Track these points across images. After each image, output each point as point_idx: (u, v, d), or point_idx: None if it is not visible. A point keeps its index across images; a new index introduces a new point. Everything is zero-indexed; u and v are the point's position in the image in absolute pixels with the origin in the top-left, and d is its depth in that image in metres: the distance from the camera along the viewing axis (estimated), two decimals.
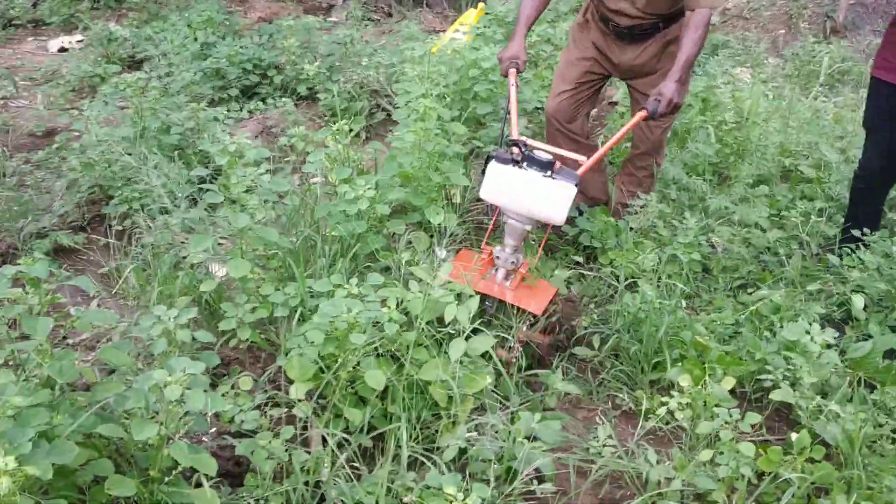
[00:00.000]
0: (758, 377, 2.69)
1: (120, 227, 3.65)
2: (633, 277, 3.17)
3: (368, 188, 2.80)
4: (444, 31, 7.56)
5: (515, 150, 2.72)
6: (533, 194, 2.69)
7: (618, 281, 3.17)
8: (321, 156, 3.13)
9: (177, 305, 2.50)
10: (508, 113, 3.05)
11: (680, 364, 2.75)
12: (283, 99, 4.95)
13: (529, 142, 2.84)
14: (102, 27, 6.82)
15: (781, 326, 2.82)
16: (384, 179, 3.05)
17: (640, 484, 2.39)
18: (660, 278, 3.16)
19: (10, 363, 1.84)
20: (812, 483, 2.11)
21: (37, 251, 3.39)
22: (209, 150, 2.63)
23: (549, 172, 2.69)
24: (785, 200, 3.87)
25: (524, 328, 2.82)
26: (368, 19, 8.58)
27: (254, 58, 5.64)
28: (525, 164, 2.71)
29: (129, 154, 3.58)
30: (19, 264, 1.86)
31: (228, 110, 4.59)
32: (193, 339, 1.98)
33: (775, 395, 2.46)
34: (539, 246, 3.07)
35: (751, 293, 3.21)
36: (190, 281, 2.84)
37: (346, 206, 2.80)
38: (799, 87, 5.60)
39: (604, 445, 2.46)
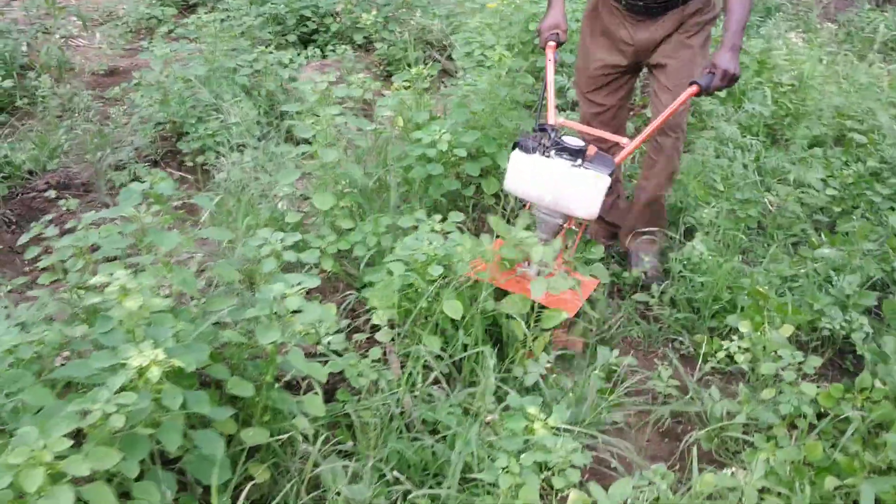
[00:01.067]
0: (815, 326, 2.80)
1: (191, 163, 3.80)
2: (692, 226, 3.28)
3: (444, 132, 2.91)
4: None
5: (543, 135, 2.52)
6: (561, 185, 2.48)
7: (676, 231, 3.27)
8: (396, 100, 3.24)
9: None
10: (545, 92, 2.79)
11: (740, 311, 2.86)
12: (342, 47, 5.04)
13: (566, 122, 2.70)
14: None
15: (839, 280, 2.92)
16: (456, 124, 3.15)
17: (700, 420, 2.53)
18: (717, 230, 3.26)
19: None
20: (871, 421, 2.23)
21: (116, 181, 3.55)
22: (301, 88, 2.74)
23: (579, 161, 2.47)
24: (839, 163, 3.93)
25: (559, 332, 2.63)
26: None
27: (311, 5, 5.72)
28: (553, 151, 2.50)
29: (207, 91, 3.70)
30: (140, 181, 2.00)
31: (291, 57, 4.68)
32: (298, 260, 2.11)
33: (855, 337, 2.57)
34: (577, 235, 2.85)
35: (803, 251, 3.31)
36: (271, 213, 2.98)
37: (423, 149, 2.91)
38: (854, 53, 5.60)
39: (666, 385, 2.59)
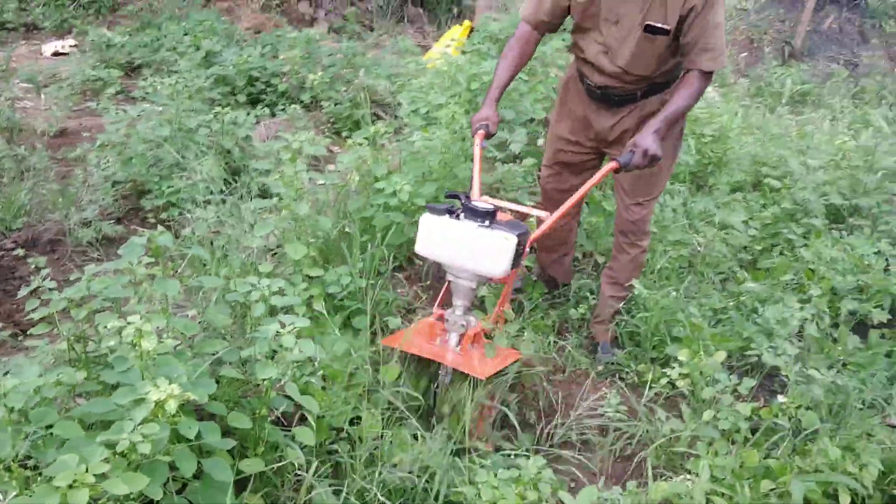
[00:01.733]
0: (744, 352, 3.11)
1: (154, 220, 3.94)
2: None
3: (405, 183, 3.16)
4: (430, 46, 7.97)
5: (453, 200, 2.61)
6: (469, 246, 2.51)
7: None
8: (354, 156, 3.48)
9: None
10: (472, 174, 2.95)
11: (678, 342, 3.15)
12: (293, 106, 5.27)
13: (492, 200, 2.78)
14: (98, 33, 7.04)
15: (764, 310, 3.25)
16: (415, 177, 3.41)
17: (649, 440, 2.78)
18: (652, 271, 3.58)
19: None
20: (800, 430, 2.52)
21: (83, 238, 3.67)
22: (273, 147, 2.96)
23: (486, 222, 2.51)
24: (758, 206, 4.33)
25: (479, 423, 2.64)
26: (355, 32, 8.93)
27: (258, 66, 5.96)
28: (462, 214, 2.55)
29: (170, 151, 3.87)
30: (141, 235, 2.18)
31: (246, 116, 4.89)
32: (285, 306, 2.30)
33: (767, 359, 2.86)
34: (497, 306, 2.94)
35: (731, 286, 3.65)
36: (242, 264, 3.15)
37: (385, 198, 3.15)
38: (765, 106, 6.12)
39: (616, 411, 2.85)
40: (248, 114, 5.44)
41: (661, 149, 2.73)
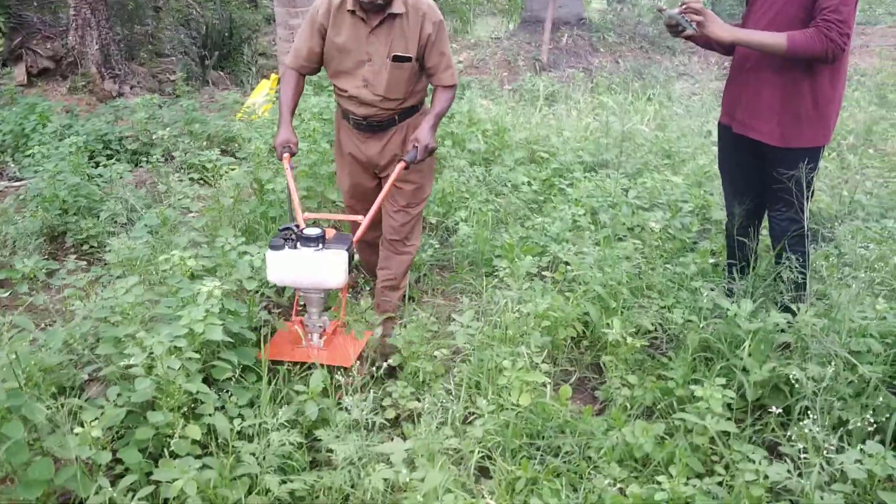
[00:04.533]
0: (542, 255, 4.57)
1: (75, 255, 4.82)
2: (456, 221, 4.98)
3: None
4: (243, 102, 9.04)
5: (287, 233, 3.05)
6: (310, 269, 3.03)
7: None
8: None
9: None
10: (290, 197, 3.34)
11: (499, 257, 4.55)
12: (153, 159, 6.22)
13: (311, 215, 3.35)
14: None
15: (552, 227, 4.74)
16: None
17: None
18: (465, 220, 4.99)
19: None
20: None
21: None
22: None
23: (319, 246, 3.03)
24: (535, 171, 5.91)
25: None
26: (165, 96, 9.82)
27: (108, 132, 6.83)
28: (298, 243, 3.03)
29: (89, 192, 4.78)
30: None
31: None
32: None
33: (553, 251, 4.32)
34: (341, 307, 3.47)
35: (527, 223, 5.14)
36: None
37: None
38: (527, 105, 7.87)
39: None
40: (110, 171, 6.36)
41: (434, 140, 3.39)
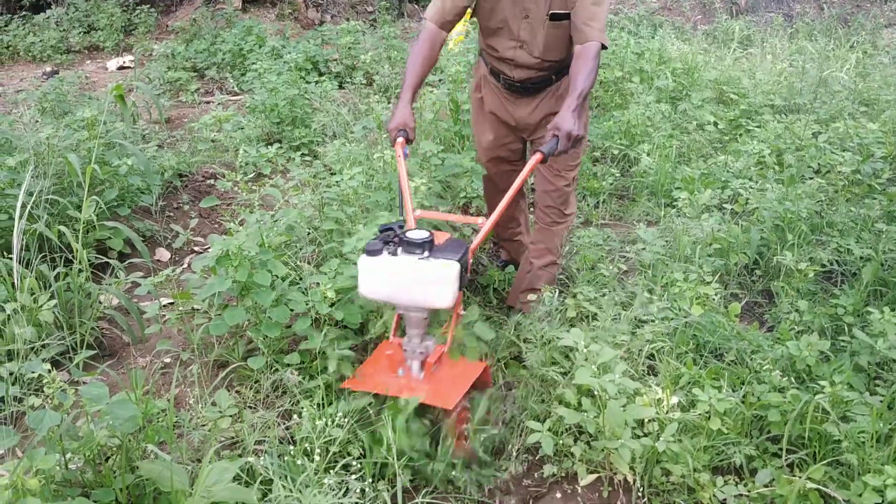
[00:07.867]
0: (723, 189, 4.65)
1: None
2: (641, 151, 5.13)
3: None
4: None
5: (388, 234, 2.44)
6: (411, 281, 2.36)
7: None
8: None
9: None
10: (401, 189, 2.78)
11: (679, 189, 4.67)
12: (356, 80, 6.74)
13: (424, 214, 2.75)
14: (166, 46, 8.42)
15: (735, 164, 4.80)
16: None
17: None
18: (648, 153, 5.11)
19: None
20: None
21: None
22: None
23: (425, 253, 2.36)
24: (722, 111, 5.90)
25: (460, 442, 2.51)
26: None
27: (316, 54, 7.44)
28: (399, 249, 2.39)
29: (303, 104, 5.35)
30: None
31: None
32: None
33: (734, 187, 4.40)
34: (449, 327, 2.62)
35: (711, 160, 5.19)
36: None
37: None
38: (721, 47, 7.74)
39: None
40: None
41: (580, 127, 2.68)
